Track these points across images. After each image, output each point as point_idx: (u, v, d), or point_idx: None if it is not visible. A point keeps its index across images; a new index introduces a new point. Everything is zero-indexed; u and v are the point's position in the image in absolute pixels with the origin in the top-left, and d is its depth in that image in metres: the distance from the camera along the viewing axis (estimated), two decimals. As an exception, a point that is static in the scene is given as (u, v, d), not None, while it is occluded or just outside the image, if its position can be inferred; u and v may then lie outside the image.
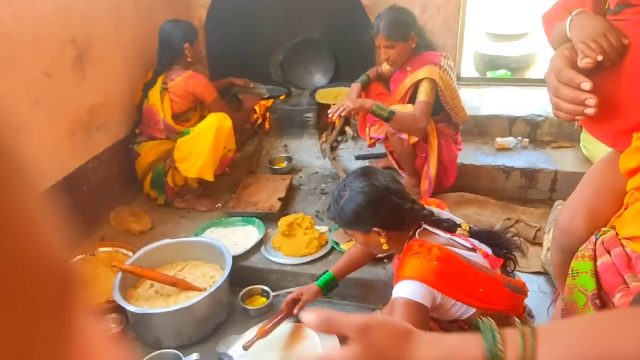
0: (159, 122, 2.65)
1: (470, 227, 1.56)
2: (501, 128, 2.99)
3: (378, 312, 1.96)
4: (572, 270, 1.24)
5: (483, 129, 3.01)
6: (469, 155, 2.80)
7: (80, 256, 2.34)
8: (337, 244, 2.27)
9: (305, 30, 3.44)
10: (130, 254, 2.35)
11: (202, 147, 2.53)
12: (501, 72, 4.10)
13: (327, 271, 1.91)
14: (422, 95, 2.31)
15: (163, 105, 2.64)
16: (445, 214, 1.64)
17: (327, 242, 2.30)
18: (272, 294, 2.15)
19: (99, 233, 2.57)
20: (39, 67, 2.17)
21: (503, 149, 2.87)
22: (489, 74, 4.11)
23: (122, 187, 2.79)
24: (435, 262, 1.39)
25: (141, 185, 2.75)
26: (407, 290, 1.37)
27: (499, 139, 2.90)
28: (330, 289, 1.91)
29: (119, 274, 2.06)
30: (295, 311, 1.88)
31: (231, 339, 1.89)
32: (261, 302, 2.15)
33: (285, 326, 1.90)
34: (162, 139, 2.69)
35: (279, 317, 1.86)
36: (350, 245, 2.25)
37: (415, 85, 2.37)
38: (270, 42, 3.48)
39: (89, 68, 2.48)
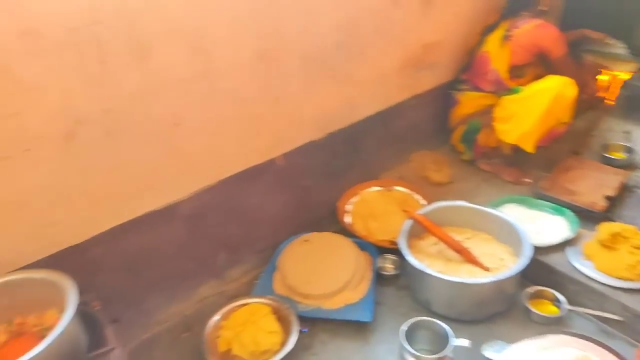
0: (489, 72, 2.40)
1: None
2: None
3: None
4: None
5: None
6: None
7: (378, 188, 2.39)
8: (675, 280, 1.74)
9: None
10: (423, 201, 2.30)
11: (530, 111, 2.21)
12: None
13: None
14: None
15: (501, 54, 2.36)
16: None
17: (660, 273, 1.79)
18: (566, 307, 1.81)
19: (397, 170, 2.58)
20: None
21: None
22: None
23: (432, 132, 2.70)
24: None
25: (450, 135, 2.62)
26: None
27: None
28: None
29: (410, 221, 2.02)
30: None
31: (499, 344, 1.65)
32: (550, 310, 1.84)
33: (568, 355, 1.57)
34: (487, 92, 2.44)
35: None
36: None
37: None
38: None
39: (436, 1, 2.35)
